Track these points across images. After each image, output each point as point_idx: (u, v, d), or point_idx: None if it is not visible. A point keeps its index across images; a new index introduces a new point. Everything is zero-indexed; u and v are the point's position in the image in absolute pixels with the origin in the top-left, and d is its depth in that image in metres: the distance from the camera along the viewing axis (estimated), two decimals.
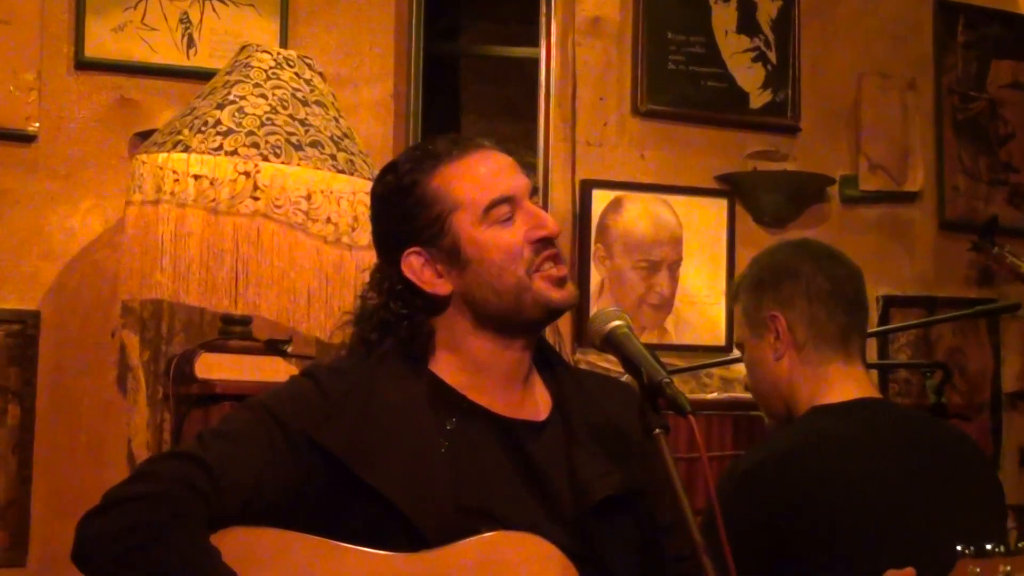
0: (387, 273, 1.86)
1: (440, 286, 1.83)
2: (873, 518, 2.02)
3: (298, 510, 1.72)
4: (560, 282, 1.83)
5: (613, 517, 1.80)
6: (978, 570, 1.57)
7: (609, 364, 3.31)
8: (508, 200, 1.82)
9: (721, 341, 3.94)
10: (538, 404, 1.88)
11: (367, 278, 1.90)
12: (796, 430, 2.18)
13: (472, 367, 1.84)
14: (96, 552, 1.64)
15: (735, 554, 1.60)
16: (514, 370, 1.85)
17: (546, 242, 1.83)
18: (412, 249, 1.83)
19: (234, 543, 1.65)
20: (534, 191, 1.89)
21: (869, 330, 2.63)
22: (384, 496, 1.70)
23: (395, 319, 1.83)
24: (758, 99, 4.10)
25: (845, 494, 2.03)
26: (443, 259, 1.82)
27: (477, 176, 1.83)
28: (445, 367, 1.84)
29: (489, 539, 1.70)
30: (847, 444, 2.10)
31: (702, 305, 3.96)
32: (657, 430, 1.68)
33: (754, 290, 2.27)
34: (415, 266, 1.83)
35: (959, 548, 1.60)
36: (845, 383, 2.19)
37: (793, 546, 2.01)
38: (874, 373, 3.96)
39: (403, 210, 1.84)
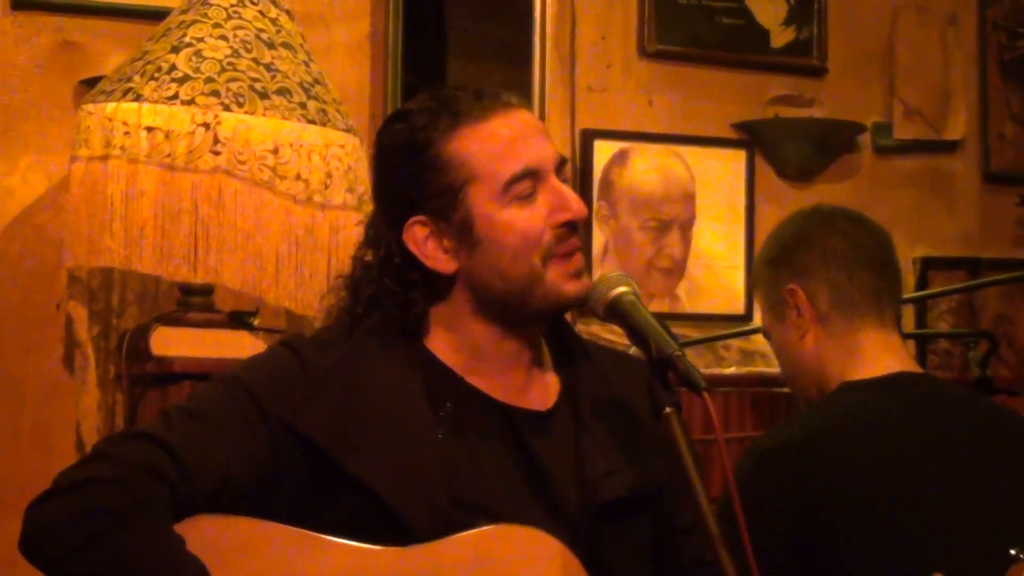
0: (384, 236, 1.84)
1: (444, 263, 1.82)
2: (912, 511, 2.01)
3: (274, 499, 1.74)
4: (576, 274, 1.82)
5: (623, 520, 1.81)
6: None
7: (613, 336, 3.34)
8: (532, 174, 1.80)
9: (740, 309, 3.98)
10: (545, 390, 1.88)
11: (346, 239, 1.90)
12: (825, 407, 2.19)
13: (469, 349, 1.85)
14: (48, 541, 1.66)
15: (754, 545, 1.61)
16: (516, 358, 1.86)
17: (570, 228, 1.81)
18: (417, 218, 1.81)
19: (201, 533, 1.67)
20: (563, 162, 1.85)
21: (904, 296, 2.66)
22: (369, 487, 1.72)
23: (385, 295, 1.83)
24: (780, 37, 4.11)
25: (879, 482, 2.03)
26: (452, 235, 1.81)
27: (500, 143, 1.80)
28: (440, 345, 1.85)
29: (486, 533, 1.71)
30: (883, 424, 2.10)
31: (718, 269, 3.99)
32: (668, 409, 1.69)
33: (768, 268, 2.28)
34: (418, 238, 1.82)
35: (1013, 552, 1.61)
36: (880, 354, 2.19)
37: (816, 539, 2.01)
38: (911, 344, 4.00)
39: (412, 172, 1.82)
